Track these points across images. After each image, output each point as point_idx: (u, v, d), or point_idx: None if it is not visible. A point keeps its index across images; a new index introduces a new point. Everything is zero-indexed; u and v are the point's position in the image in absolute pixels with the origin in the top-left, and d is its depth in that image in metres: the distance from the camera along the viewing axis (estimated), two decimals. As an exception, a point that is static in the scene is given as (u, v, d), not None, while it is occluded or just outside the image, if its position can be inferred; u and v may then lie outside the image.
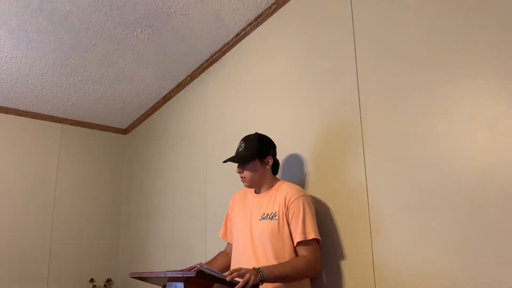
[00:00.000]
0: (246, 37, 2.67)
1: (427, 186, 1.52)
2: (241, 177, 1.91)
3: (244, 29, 2.66)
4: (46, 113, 3.84)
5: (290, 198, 1.78)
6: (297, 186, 1.86)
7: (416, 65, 1.63)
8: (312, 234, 1.71)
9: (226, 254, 2.05)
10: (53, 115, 3.88)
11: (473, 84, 1.44)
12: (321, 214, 1.87)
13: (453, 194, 1.44)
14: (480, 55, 1.43)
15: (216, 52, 2.91)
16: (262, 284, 1.55)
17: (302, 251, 1.73)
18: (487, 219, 1.34)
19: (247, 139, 1.93)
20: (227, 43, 2.80)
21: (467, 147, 1.43)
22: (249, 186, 1.93)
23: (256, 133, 1.97)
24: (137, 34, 2.71)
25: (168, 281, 1.59)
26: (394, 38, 1.73)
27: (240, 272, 1.50)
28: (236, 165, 1.94)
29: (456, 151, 1.45)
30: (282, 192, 1.82)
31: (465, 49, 1.48)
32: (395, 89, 1.69)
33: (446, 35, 1.54)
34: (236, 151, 1.94)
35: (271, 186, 1.90)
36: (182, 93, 3.37)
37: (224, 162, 1.93)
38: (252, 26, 2.60)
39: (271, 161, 1.91)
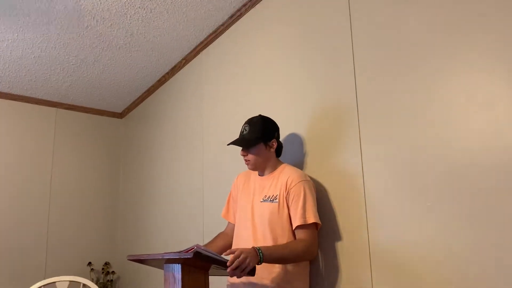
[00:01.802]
0: (241, 19, 2.64)
1: (423, 167, 1.52)
2: (245, 160, 1.90)
3: (239, 10, 2.62)
4: (40, 97, 3.81)
5: (291, 182, 1.78)
6: (300, 171, 1.86)
7: (412, 46, 1.61)
8: (312, 218, 1.72)
9: (225, 235, 2.04)
10: (48, 99, 3.85)
11: (470, 65, 1.43)
12: (317, 195, 1.87)
13: (449, 175, 1.44)
14: (476, 36, 1.42)
15: (210, 34, 2.88)
16: (260, 264, 1.56)
17: (300, 234, 1.73)
18: (482, 200, 1.35)
19: (251, 122, 1.91)
20: (222, 25, 2.77)
21: (464, 128, 1.43)
22: (253, 169, 1.93)
23: (260, 115, 1.94)
24: (130, 16, 2.68)
25: (165, 263, 1.60)
26: (390, 18, 1.71)
27: (240, 259, 1.49)
28: (239, 147, 1.93)
29: (453, 132, 1.45)
30: (284, 175, 1.83)
31: (462, 29, 1.46)
32: (391, 71, 1.68)
33: (442, 14, 1.53)
34: (240, 133, 1.92)
35: (274, 168, 1.90)
36: (177, 76, 3.34)
37: (229, 145, 1.91)
38: (247, 7, 2.57)
39: (275, 144, 1.90)
